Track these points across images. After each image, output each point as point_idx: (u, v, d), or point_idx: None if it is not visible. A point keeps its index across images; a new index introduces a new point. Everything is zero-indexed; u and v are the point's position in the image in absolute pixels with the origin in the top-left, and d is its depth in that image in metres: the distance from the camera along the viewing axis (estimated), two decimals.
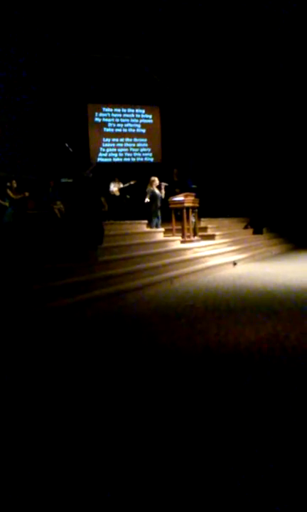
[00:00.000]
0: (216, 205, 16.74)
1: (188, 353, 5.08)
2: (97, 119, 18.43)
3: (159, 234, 12.50)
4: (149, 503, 2.60)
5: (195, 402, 3.84)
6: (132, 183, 14.72)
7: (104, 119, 18.56)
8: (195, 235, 13.36)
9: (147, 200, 12.80)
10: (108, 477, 2.82)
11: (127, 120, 18.91)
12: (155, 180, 13.10)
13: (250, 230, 17.36)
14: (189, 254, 11.93)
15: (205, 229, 14.35)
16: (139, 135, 19.08)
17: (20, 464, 3.02)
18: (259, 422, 3.42)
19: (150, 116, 19.20)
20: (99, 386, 4.28)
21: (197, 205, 13.50)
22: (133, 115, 18.99)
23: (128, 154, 18.89)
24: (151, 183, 13.02)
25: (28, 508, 2.62)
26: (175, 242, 12.30)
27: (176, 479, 2.77)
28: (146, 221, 12.72)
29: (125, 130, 18.86)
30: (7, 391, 4.26)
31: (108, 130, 18.60)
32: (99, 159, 18.09)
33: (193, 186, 15.48)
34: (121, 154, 18.76)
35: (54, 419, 3.63)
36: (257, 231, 17.35)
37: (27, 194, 12.52)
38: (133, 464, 2.95)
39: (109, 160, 18.47)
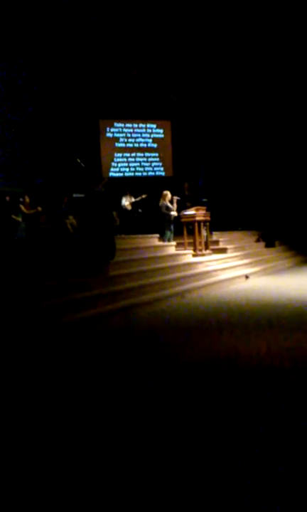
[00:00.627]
0: (227, 219, 16.75)
1: (198, 364, 5.08)
2: (108, 135, 18.62)
3: (171, 248, 12.53)
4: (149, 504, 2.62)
5: (200, 409, 3.85)
6: (144, 196, 14.82)
7: (115, 134, 18.75)
8: (206, 248, 13.35)
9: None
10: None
11: (138, 135, 19.07)
12: (168, 194, 13.18)
13: (262, 243, 17.30)
14: (201, 268, 11.92)
15: (216, 242, 14.33)
16: (150, 149, 19.22)
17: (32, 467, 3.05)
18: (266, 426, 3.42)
19: (161, 131, 19.35)
20: (108, 393, 4.30)
21: (208, 218, 13.52)
22: (144, 130, 19.16)
23: (140, 169, 19.03)
24: (164, 197, 13.09)
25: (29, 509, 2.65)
26: (187, 256, 12.31)
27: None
28: (157, 235, 12.77)
29: (136, 145, 19.01)
30: (23, 394, 4.30)
31: (119, 145, 18.77)
32: (110, 174, 18.24)
33: (204, 200, 15.51)
34: (132, 169, 18.90)
35: (67, 430, 3.66)
36: (269, 244, 17.28)
37: (40, 209, 12.64)
38: (137, 465, 2.97)
39: (121, 174, 18.62)
